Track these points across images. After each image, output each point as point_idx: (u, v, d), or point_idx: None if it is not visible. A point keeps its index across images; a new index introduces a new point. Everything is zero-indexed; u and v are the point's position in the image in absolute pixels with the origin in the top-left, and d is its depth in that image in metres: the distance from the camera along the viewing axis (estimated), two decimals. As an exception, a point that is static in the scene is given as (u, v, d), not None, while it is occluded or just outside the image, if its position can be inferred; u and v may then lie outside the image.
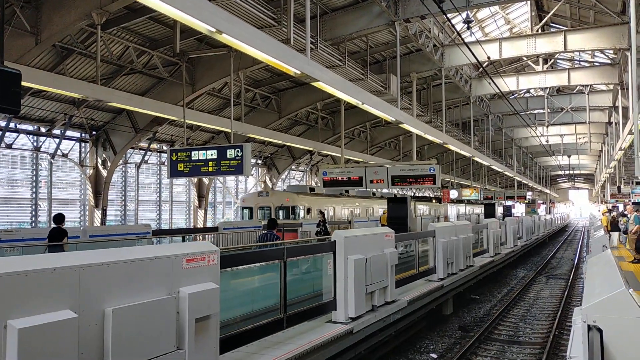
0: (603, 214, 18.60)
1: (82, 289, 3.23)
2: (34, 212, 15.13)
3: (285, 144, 20.58)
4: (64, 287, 3.12)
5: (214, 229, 15.69)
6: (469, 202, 36.61)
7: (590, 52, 20.90)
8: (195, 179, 20.81)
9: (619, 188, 26.38)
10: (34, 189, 15.13)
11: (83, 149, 16.39)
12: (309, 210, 21.03)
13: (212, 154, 10.35)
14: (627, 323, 2.01)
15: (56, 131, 15.27)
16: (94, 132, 16.25)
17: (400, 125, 12.93)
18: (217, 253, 4.36)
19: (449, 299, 11.28)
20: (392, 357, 8.33)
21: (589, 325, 2.06)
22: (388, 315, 7.43)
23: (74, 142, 16.09)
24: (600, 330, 2.01)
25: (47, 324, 2.92)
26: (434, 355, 8.67)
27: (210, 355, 4.10)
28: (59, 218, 9.68)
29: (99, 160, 16.34)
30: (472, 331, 10.28)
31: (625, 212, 18.08)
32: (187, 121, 12.62)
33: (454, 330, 10.44)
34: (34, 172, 15.16)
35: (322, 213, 17.52)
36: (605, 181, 31.66)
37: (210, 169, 10.35)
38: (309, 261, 7.31)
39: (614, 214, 19.76)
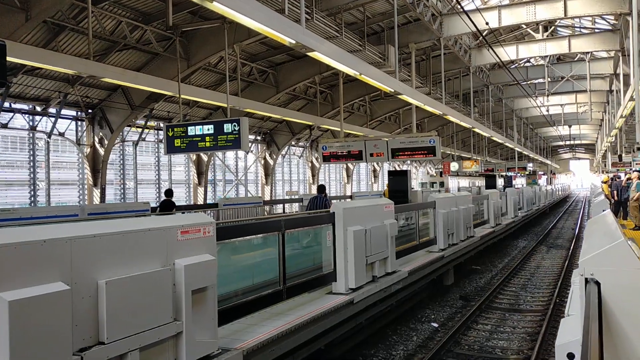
0: (604, 182, 18.53)
1: (74, 261, 3.17)
2: (32, 194, 15.08)
3: (284, 118, 20.42)
4: (55, 259, 3.07)
5: (214, 205, 15.67)
6: (470, 175, 36.54)
7: (590, 19, 20.56)
8: (194, 156, 20.71)
9: (620, 156, 26.22)
10: (31, 171, 15.06)
11: (80, 128, 16.26)
12: None
13: (208, 129, 10.24)
14: (626, 275, 1.95)
15: (52, 110, 15.14)
16: (89, 110, 16.10)
17: (399, 96, 12.79)
18: (213, 225, 4.30)
19: (450, 269, 11.31)
20: (393, 326, 8.37)
21: (586, 279, 2.01)
22: (389, 285, 7.43)
23: (70, 120, 15.95)
24: (598, 284, 1.96)
25: (39, 296, 2.87)
26: (435, 324, 8.72)
27: (209, 326, 4.07)
28: (169, 192, 12.57)
29: (96, 139, 16.23)
30: (473, 300, 10.33)
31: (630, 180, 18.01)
32: (183, 97, 12.48)
33: (455, 300, 10.49)
34: (31, 154, 15.06)
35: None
36: (606, 150, 31.50)
37: (208, 144, 10.26)
38: (309, 235, 7.27)
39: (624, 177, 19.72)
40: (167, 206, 12.07)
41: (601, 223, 3.47)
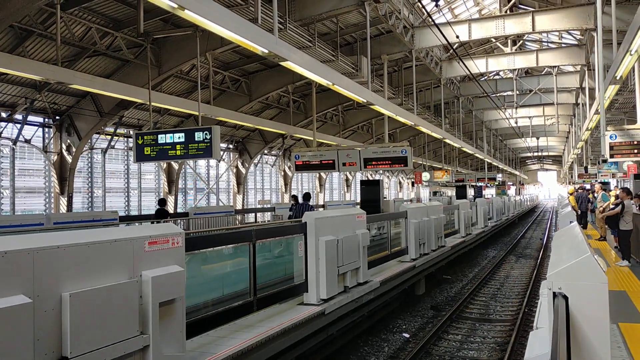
0: (570, 194, 18.99)
1: (37, 273, 3.07)
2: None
3: (257, 127, 20.32)
4: (16, 272, 2.97)
5: (185, 215, 15.45)
6: (442, 185, 37.10)
7: (557, 34, 21.14)
8: (164, 164, 20.43)
9: (585, 168, 26.92)
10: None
11: (46, 135, 15.87)
12: None
13: (179, 137, 10.10)
14: (593, 289, 1.99)
15: (18, 116, 14.75)
16: (57, 117, 15.73)
17: (372, 106, 12.87)
18: (182, 235, 4.23)
19: (421, 279, 11.38)
20: (365, 337, 8.36)
21: (554, 293, 2.03)
22: (360, 296, 7.43)
23: (36, 127, 15.56)
24: (566, 298, 1.99)
25: (-2, 309, 2.77)
26: (407, 335, 8.74)
27: (176, 339, 3.99)
28: (162, 202, 13.96)
29: (64, 146, 15.86)
30: (444, 310, 10.41)
31: (594, 190, 18.52)
32: (154, 104, 12.28)
33: (426, 310, 10.56)
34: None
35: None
36: (572, 162, 32.29)
37: (178, 152, 10.11)
38: (281, 244, 7.22)
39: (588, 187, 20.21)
40: (161, 214, 12.88)
41: (568, 235, 3.54)
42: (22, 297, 2.93)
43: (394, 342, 8.34)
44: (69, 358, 3.15)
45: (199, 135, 10.01)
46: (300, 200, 14.28)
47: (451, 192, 39.48)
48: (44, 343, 3.07)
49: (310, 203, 13.02)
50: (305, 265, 6.54)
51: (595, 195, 17.06)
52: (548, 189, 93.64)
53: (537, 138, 43.05)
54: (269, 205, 22.06)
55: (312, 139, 16.65)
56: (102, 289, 3.40)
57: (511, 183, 55.34)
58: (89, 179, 17.70)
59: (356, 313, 7.51)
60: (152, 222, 11.97)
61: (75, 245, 3.33)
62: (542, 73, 25.35)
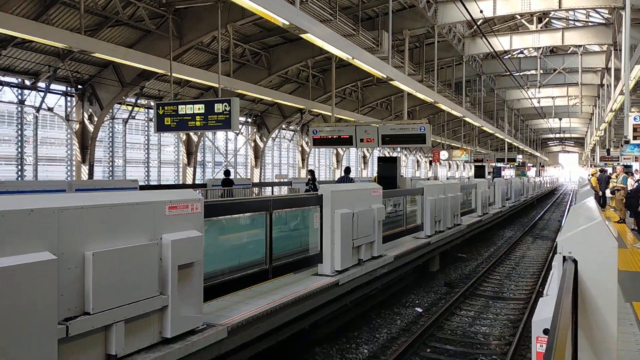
0: (592, 175, 18.70)
1: (61, 231, 3.18)
2: (20, 170, 14.94)
3: (276, 101, 20.32)
4: (42, 229, 3.07)
5: (203, 186, 15.63)
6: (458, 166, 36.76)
7: (584, 12, 20.61)
8: (183, 136, 20.60)
9: (608, 150, 26.45)
10: (19, 146, 14.90)
11: (69, 104, 16.09)
12: None
13: (199, 108, 10.17)
14: (602, 253, 2.01)
15: (41, 84, 14.95)
16: (79, 86, 15.92)
17: (391, 82, 12.77)
18: (201, 201, 4.31)
19: (436, 256, 11.42)
20: (377, 310, 8.47)
21: (564, 257, 2.06)
22: (374, 269, 7.51)
23: (59, 96, 15.77)
24: (575, 261, 2.01)
25: (25, 264, 2.88)
26: (420, 309, 8.83)
27: (194, 301, 4.10)
28: (227, 172, 16.10)
29: (86, 115, 16.07)
30: (457, 287, 10.46)
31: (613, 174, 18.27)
32: (174, 75, 12.36)
33: (439, 286, 10.62)
34: (19, 128, 14.89)
35: (311, 172, 17.50)
36: (595, 144, 31.76)
37: (198, 123, 10.19)
38: (297, 217, 7.30)
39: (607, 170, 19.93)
40: (226, 183, 15.03)
41: (583, 208, 3.54)
42: (47, 254, 3.04)
43: (407, 315, 8.44)
44: (91, 313, 3.27)
45: (218, 107, 10.07)
46: (342, 173, 15.54)
47: (465, 174, 39.07)
48: (67, 299, 3.19)
49: (351, 176, 14.73)
50: (321, 237, 6.62)
51: (615, 178, 16.80)
52: (569, 172, 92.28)
53: (560, 119, 42.36)
54: (285, 180, 22.19)
55: (330, 114, 16.62)
56: (123, 250, 3.51)
57: (531, 164, 54.74)
58: (110, 149, 17.95)
59: (370, 285, 7.60)
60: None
61: (99, 206, 3.43)
62: (568, 52, 24.81)
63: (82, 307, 3.28)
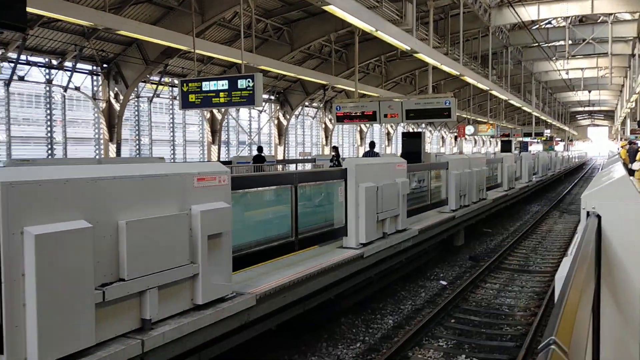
0: (622, 147, 18.27)
1: (96, 200, 3.29)
2: (50, 150, 15.30)
3: (299, 77, 20.27)
4: (78, 198, 3.18)
5: (228, 163, 15.79)
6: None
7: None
8: (207, 114, 20.76)
9: (639, 123, 25.80)
10: (48, 125, 15.23)
11: (95, 83, 16.34)
12: None
13: (223, 85, 10.23)
14: (626, 208, 2.00)
15: (68, 64, 15.19)
16: (105, 65, 16.13)
17: (416, 55, 12.62)
18: (228, 174, 4.39)
19: (461, 230, 11.40)
20: (402, 283, 8.54)
21: (587, 212, 2.06)
22: (399, 242, 7.55)
23: (85, 75, 16.02)
24: (599, 217, 2.02)
25: (63, 232, 3.00)
26: (444, 282, 8.86)
27: (223, 270, 4.22)
28: (260, 149, 16.38)
29: (112, 94, 16.31)
30: (482, 261, 10.44)
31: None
32: (197, 51, 12.42)
33: (464, 260, 10.62)
34: (48, 107, 15.21)
35: (335, 148, 17.52)
36: (625, 117, 30.96)
37: (222, 99, 10.26)
38: (322, 191, 7.35)
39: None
40: (258, 160, 15.46)
41: (609, 170, 3.50)
42: (83, 222, 3.16)
43: (431, 288, 8.49)
44: (126, 280, 3.40)
45: (241, 83, 10.12)
46: (367, 148, 15.84)
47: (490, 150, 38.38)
48: (103, 265, 3.32)
49: (376, 150, 15.08)
50: (345, 211, 6.67)
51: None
52: (598, 146, 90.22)
53: (589, 91, 41.28)
54: (309, 157, 22.25)
55: (353, 90, 16.53)
56: (155, 219, 3.62)
57: (559, 139, 53.69)
58: (136, 128, 18.22)
59: (394, 259, 7.66)
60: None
61: (131, 177, 3.53)
62: (597, 21, 24.03)
63: (117, 274, 3.41)
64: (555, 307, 1.05)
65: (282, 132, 25.16)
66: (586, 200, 2.09)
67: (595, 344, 1.95)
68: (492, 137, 33.25)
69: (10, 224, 2.85)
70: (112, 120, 16.33)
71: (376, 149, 17.04)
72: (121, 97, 16.23)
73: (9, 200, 2.84)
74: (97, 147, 16.62)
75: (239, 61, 12.42)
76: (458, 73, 15.81)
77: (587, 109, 56.42)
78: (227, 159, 21.35)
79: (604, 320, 1.95)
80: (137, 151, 18.27)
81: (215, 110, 20.41)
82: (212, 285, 4.05)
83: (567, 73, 32.05)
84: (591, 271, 1.38)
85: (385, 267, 7.44)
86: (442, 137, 47.37)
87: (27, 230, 2.88)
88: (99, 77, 16.27)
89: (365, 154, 14.79)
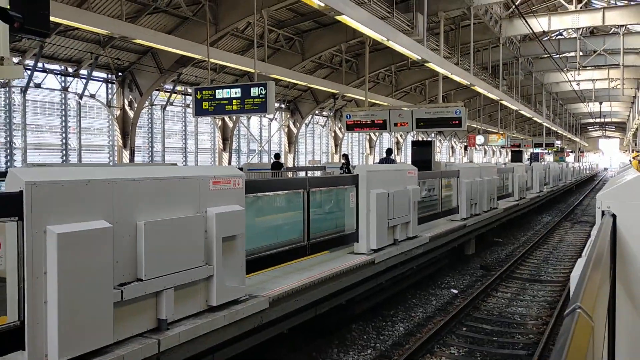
0: (634, 158, 18.16)
1: (116, 201, 3.37)
2: (64, 157, 15.49)
3: (309, 86, 20.40)
4: (99, 199, 3.26)
5: (239, 170, 15.89)
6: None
7: (628, -10, 19.89)
8: (219, 122, 20.93)
9: (651, 134, 25.62)
10: (63, 131, 15.44)
11: (110, 90, 16.56)
12: None
13: (236, 92, 10.35)
14: None
15: (83, 72, 15.42)
16: (120, 73, 16.36)
17: (427, 64, 12.69)
18: (243, 177, 4.46)
19: (472, 239, 11.38)
20: (413, 290, 8.54)
21: (602, 211, 2.09)
22: (410, 249, 7.56)
23: (100, 83, 16.25)
24: (614, 216, 2.04)
25: (84, 231, 3.08)
26: (455, 291, 8.85)
27: (237, 273, 4.27)
28: (277, 156, 16.77)
29: (126, 102, 16.53)
30: (493, 270, 10.42)
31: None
32: (211, 60, 12.58)
33: (475, 269, 10.60)
34: (64, 114, 15.42)
35: (345, 156, 17.59)
36: (637, 128, 30.77)
37: (235, 107, 10.38)
38: (332, 198, 7.40)
39: None
40: (277, 166, 15.58)
41: (622, 174, 3.53)
42: (103, 222, 3.23)
43: (442, 296, 8.48)
44: (144, 280, 3.46)
45: (254, 91, 10.23)
46: (385, 154, 15.27)
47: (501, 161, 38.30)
48: (122, 265, 3.39)
49: (392, 157, 14.82)
50: (357, 217, 6.71)
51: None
52: (609, 158, 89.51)
53: (600, 103, 41.08)
54: (319, 165, 22.32)
55: (363, 99, 16.62)
56: (172, 220, 3.69)
57: (570, 150, 53.38)
58: (149, 136, 18.41)
59: (405, 265, 7.67)
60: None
61: (149, 179, 3.61)
62: (609, 33, 23.99)
63: (135, 274, 3.48)
64: (577, 285, 1.11)
65: (292, 140, 25.27)
66: (601, 199, 2.13)
67: (611, 343, 1.98)
68: (503, 147, 33.14)
69: (34, 223, 2.93)
70: (126, 128, 16.53)
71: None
72: (135, 105, 16.43)
73: (32, 200, 2.92)
74: (111, 154, 16.81)
75: (252, 70, 12.56)
76: (468, 83, 15.85)
77: (598, 120, 56.13)
78: (237, 167, 21.48)
79: (619, 314, 1.98)
80: (150, 158, 18.45)
81: (226, 118, 20.58)
82: (226, 287, 4.10)
83: (578, 84, 31.93)
84: (606, 269, 1.42)
85: (396, 273, 7.45)
86: (452, 147, 47.29)
87: (49, 229, 2.96)
88: (114, 85, 16.49)
89: (382, 161, 14.83)
